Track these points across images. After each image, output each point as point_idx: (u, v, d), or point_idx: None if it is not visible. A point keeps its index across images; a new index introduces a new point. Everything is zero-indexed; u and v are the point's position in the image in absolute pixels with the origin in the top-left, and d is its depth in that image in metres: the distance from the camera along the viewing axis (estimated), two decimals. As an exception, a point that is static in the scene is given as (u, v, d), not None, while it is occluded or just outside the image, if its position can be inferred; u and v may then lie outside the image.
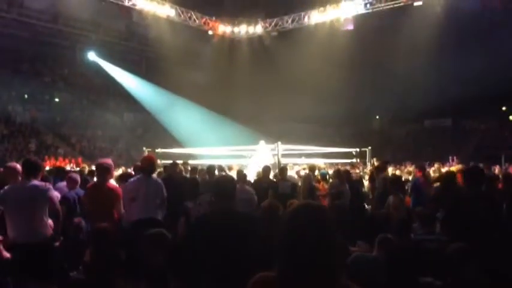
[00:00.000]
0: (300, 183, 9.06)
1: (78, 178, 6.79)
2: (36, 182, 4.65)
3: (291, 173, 10.39)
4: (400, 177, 9.00)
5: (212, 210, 4.24)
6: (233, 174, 10.61)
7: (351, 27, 23.43)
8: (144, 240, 3.66)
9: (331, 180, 9.33)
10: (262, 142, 12.91)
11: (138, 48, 32.61)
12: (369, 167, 13.52)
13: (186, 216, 6.26)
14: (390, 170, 13.32)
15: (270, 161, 11.59)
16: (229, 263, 3.09)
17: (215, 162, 14.19)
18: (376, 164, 12.18)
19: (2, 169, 6.19)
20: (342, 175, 8.68)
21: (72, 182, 6.57)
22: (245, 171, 9.07)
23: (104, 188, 5.42)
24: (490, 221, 3.04)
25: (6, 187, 4.71)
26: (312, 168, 9.86)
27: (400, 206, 6.15)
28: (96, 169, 6.02)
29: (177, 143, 23.36)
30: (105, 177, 5.53)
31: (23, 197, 4.53)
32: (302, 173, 10.53)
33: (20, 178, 4.75)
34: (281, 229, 1.72)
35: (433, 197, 5.92)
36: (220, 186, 3.47)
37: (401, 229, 3.73)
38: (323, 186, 9.10)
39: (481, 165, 8.96)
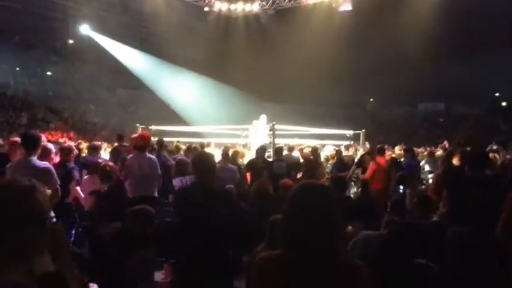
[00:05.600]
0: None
1: None
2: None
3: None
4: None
5: (190, 185, 4.40)
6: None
7: (348, 7, 23.21)
8: (130, 215, 3.82)
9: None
10: (263, 116, 12.79)
11: (133, 24, 32.08)
12: (360, 151, 13.54)
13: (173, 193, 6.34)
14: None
15: (265, 140, 11.57)
16: (204, 234, 3.30)
17: (209, 140, 14.19)
18: (368, 147, 12.25)
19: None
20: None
21: None
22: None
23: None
24: (493, 207, 3.07)
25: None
26: (314, 149, 9.95)
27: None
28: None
29: (171, 120, 23.27)
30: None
31: None
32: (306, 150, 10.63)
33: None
34: (286, 208, 1.75)
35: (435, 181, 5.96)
36: (198, 162, 3.62)
37: (398, 209, 3.78)
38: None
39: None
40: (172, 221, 3.55)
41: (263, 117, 12.72)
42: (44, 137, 5.18)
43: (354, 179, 9.11)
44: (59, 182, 4.43)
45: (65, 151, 6.06)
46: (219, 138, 14.51)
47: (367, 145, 13.70)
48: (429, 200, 4.14)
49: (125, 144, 8.86)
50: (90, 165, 6.11)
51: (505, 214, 2.47)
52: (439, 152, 11.71)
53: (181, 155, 8.46)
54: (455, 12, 23.45)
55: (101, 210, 4.47)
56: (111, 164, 5.54)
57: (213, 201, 3.40)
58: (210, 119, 20.11)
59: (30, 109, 26.84)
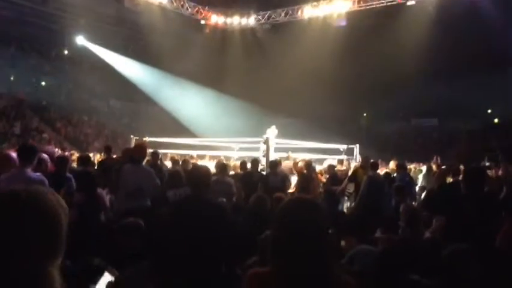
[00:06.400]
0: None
1: None
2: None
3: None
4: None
5: (184, 197, 4.39)
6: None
7: (343, 23, 23.43)
8: (119, 229, 3.80)
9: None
10: (273, 127, 12.82)
11: (129, 35, 32.14)
12: (353, 165, 13.52)
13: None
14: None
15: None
16: (196, 248, 3.26)
17: (202, 152, 14.16)
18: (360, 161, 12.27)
19: None
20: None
21: None
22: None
23: None
24: (488, 222, 3.07)
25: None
26: (308, 163, 9.93)
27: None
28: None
29: (166, 131, 23.27)
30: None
31: None
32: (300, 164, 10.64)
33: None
34: (274, 224, 1.72)
35: (428, 197, 5.97)
36: (193, 175, 3.64)
37: (391, 225, 3.78)
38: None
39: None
40: (166, 234, 3.53)
41: (273, 128, 12.77)
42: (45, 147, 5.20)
43: (347, 194, 9.14)
44: None
45: (59, 161, 6.03)
46: (214, 151, 14.54)
47: (360, 159, 13.71)
48: (419, 216, 4.14)
49: (114, 156, 8.81)
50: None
51: (506, 226, 2.49)
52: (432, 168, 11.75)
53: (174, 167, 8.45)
54: (450, 30, 23.77)
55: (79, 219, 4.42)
56: (90, 170, 5.50)
57: (207, 214, 3.39)
58: (206, 130, 20.14)
59: (24, 119, 26.70)
